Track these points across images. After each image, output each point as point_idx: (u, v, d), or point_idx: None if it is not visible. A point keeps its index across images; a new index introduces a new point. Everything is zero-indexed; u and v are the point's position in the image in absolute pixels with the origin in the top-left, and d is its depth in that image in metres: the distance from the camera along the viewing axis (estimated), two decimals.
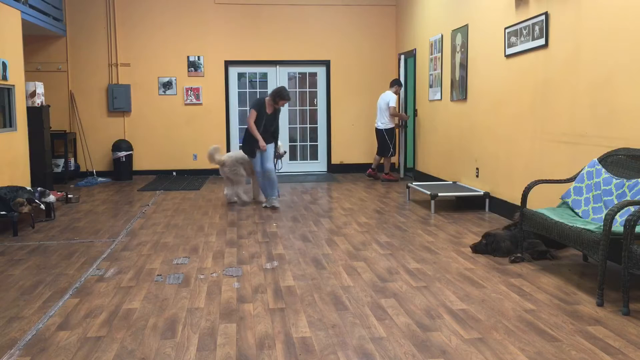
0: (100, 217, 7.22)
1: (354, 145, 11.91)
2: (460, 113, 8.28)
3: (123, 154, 10.92)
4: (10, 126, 7.95)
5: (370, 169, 10.80)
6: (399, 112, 10.93)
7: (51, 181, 9.32)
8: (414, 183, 8.39)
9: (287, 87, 11.81)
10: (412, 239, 5.90)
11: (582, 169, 4.90)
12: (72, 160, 11.01)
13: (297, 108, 11.99)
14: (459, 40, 8.20)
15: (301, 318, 3.68)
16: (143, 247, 5.67)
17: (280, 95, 7.70)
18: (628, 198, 4.30)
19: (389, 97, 10.37)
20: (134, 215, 7.30)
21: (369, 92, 11.78)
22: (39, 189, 6.97)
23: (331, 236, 6.06)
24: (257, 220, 6.99)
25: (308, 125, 12.04)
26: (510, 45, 6.63)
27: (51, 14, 10.04)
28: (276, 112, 7.89)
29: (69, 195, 8.34)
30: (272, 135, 7.90)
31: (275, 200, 7.84)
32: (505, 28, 6.71)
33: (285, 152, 8.45)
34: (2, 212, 6.22)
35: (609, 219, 3.77)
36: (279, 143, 8.17)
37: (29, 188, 6.87)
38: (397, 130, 10.86)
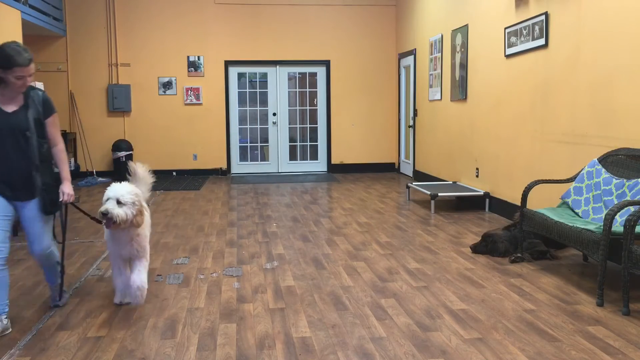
0: None
1: (354, 145, 11.91)
2: (460, 113, 8.28)
3: (123, 154, 10.92)
4: None
5: None
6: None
7: None
8: (414, 183, 8.39)
9: (287, 87, 11.96)
10: (412, 239, 5.90)
11: (582, 169, 4.90)
12: (72, 160, 11.01)
13: (297, 108, 11.99)
14: (459, 40, 8.20)
15: (301, 318, 3.68)
16: None
17: (7, 60, 3.43)
18: (628, 198, 4.29)
19: None
20: None
21: (369, 92, 11.79)
22: None
23: (331, 236, 6.06)
24: (257, 220, 6.99)
25: (308, 125, 12.03)
26: (510, 45, 6.63)
27: (51, 14, 10.04)
28: (31, 108, 3.62)
29: None
30: (28, 166, 3.60)
31: (60, 297, 3.97)
32: (505, 28, 6.71)
33: (66, 202, 3.78)
34: None
35: (609, 219, 3.77)
36: (65, 190, 3.74)
37: None
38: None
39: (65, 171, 3.78)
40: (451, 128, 8.63)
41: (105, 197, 3.79)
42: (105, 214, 3.71)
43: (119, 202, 3.75)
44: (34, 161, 3.60)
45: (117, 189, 3.81)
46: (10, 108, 3.56)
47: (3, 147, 3.54)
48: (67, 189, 3.75)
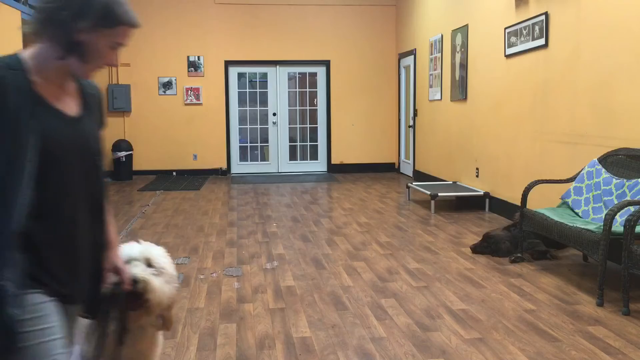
0: None
1: (354, 145, 11.91)
2: (460, 113, 8.28)
3: (123, 154, 10.92)
4: None
5: None
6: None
7: None
8: (414, 183, 8.39)
9: (287, 87, 11.95)
10: (412, 239, 5.90)
11: (582, 169, 4.90)
12: None
13: (297, 108, 11.99)
14: (459, 40, 8.20)
15: (301, 318, 3.68)
16: None
17: (109, 13, 1.60)
18: (628, 198, 4.29)
19: None
20: (133, 216, 7.29)
21: (369, 92, 11.79)
22: None
23: (331, 236, 6.06)
24: (257, 220, 6.99)
25: (308, 125, 12.03)
26: (510, 45, 6.63)
27: None
28: (93, 111, 1.79)
29: None
30: (100, 230, 1.85)
31: None
32: (505, 28, 6.71)
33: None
34: None
35: (609, 219, 3.77)
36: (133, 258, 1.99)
37: None
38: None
39: (113, 232, 1.99)
40: (451, 128, 8.63)
41: (125, 258, 1.96)
42: (136, 282, 1.92)
43: (150, 266, 1.99)
44: (103, 221, 1.88)
45: (144, 247, 2.06)
46: (70, 108, 1.71)
47: (65, 192, 1.66)
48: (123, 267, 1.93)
